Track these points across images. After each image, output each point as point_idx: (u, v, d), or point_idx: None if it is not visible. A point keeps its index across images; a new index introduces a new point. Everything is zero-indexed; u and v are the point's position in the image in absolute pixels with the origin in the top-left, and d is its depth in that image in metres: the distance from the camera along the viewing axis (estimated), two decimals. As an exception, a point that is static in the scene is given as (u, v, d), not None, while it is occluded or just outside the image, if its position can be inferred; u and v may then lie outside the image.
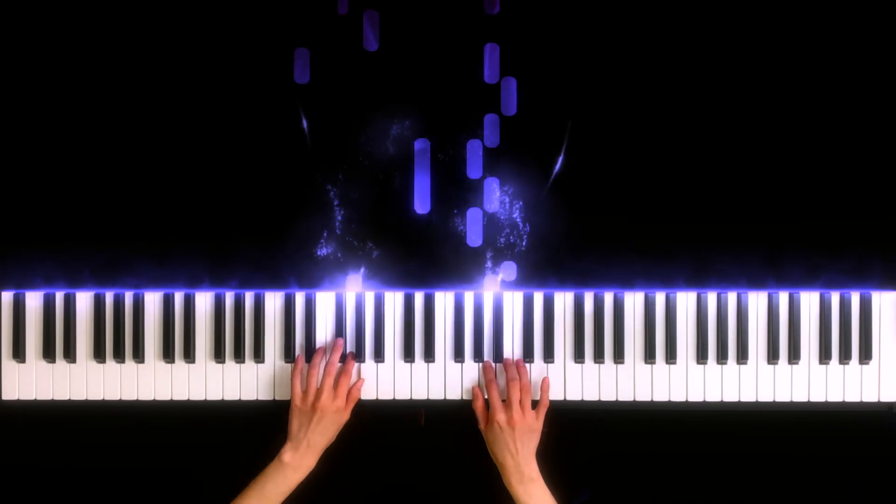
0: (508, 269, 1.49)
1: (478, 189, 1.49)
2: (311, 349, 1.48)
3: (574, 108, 1.48)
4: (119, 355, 1.47)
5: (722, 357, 1.47)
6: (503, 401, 1.41)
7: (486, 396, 1.44)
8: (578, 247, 1.49)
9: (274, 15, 1.48)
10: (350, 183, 1.48)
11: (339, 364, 1.45)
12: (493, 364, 1.46)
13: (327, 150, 1.48)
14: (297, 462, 1.37)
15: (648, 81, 1.48)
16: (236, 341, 1.48)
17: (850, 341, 1.47)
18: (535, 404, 1.42)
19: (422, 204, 1.49)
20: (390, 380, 1.48)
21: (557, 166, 1.48)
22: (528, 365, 1.47)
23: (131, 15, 1.48)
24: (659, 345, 1.47)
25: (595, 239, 1.49)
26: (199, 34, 1.48)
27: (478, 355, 1.48)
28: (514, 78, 1.48)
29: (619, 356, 1.47)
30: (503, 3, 1.47)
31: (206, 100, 1.49)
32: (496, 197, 1.49)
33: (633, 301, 1.48)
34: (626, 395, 1.47)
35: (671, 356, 1.47)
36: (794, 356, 1.47)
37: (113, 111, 1.49)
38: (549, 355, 1.47)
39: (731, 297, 1.48)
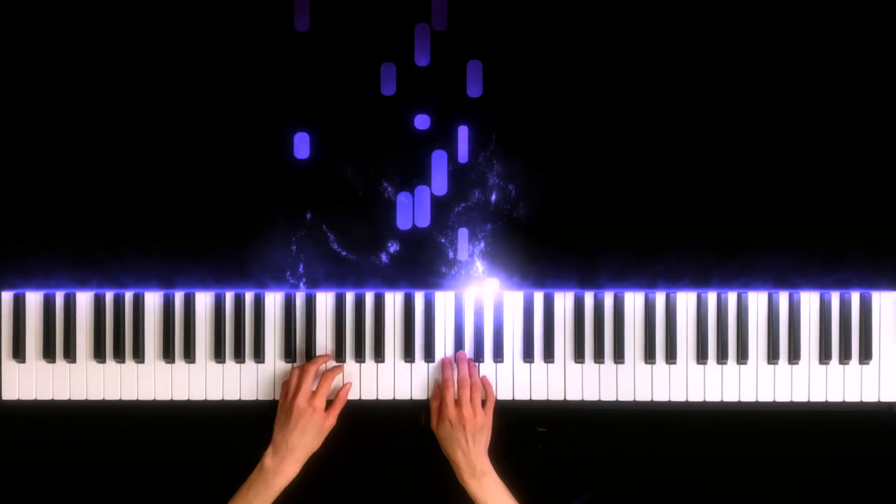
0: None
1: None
2: (311, 349, 1.48)
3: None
4: (119, 355, 1.47)
5: (722, 357, 1.47)
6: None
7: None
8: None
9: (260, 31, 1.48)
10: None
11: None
12: (452, 362, 1.46)
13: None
14: (276, 466, 1.36)
15: (642, 78, 1.49)
16: (236, 341, 1.48)
17: (850, 341, 1.47)
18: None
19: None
20: (390, 380, 1.48)
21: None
22: (528, 365, 1.47)
23: (103, 23, 1.48)
24: (659, 345, 1.48)
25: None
26: (173, 39, 1.49)
27: (478, 355, 1.48)
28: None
29: (619, 356, 1.47)
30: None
31: (201, 101, 1.49)
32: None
33: (633, 301, 1.48)
34: (626, 395, 1.48)
35: (671, 356, 1.47)
36: (794, 356, 1.47)
37: (108, 113, 1.49)
38: (549, 355, 1.47)
39: (731, 297, 1.48)
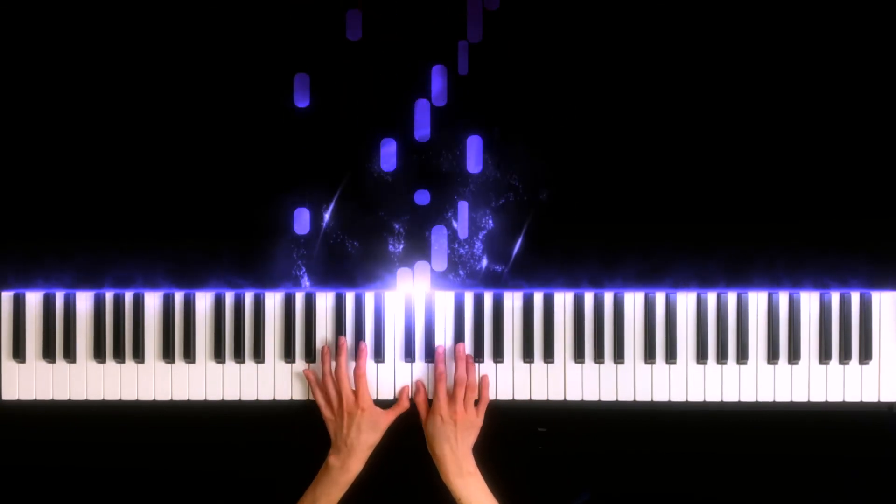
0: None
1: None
2: (311, 350, 1.48)
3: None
4: (119, 355, 1.47)
5: (722, 357, 1.47)
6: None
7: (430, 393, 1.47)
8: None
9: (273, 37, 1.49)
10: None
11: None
12: (445, 356, 1.47)
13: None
14: (340, 464, 1.39)
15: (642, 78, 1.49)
16: (236, 341, 1.48)
17: (850, 341, 1.47)
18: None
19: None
20: (390, 380, 1.48)
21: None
22: (528, 365, 1.47)
23: (118, 25, 1.49)
24: (659, 345, 1.47)
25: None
26: (178, 46, 1.49)
27: (478, 355, 1.48)
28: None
29: (619, 356, 1.47)
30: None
31: (203, 104, 1.49)
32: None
33: (633, 301, 1.48)
34: (626, 395, 1.48)
35: (671, 356, 1.47)
36: (794, 356, 1.47)
37: (110, 115, 1.49)
38: (548, 355, 1.47)
39: (731, 297, 1.48)
